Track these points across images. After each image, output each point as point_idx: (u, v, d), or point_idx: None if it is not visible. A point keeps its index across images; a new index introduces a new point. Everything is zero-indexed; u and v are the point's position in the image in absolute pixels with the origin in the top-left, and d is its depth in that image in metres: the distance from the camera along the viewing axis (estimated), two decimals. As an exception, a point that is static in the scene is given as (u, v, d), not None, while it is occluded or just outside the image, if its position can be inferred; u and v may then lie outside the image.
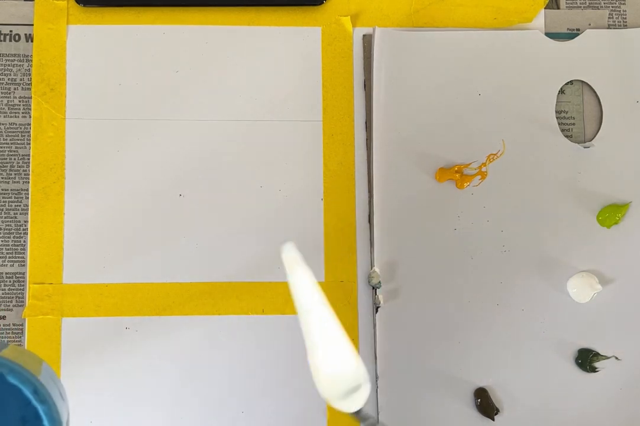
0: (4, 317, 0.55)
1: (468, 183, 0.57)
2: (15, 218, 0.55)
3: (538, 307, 0.56)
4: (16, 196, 0.56)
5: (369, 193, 0.57)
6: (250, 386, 0.55)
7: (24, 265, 0.55)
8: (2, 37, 0.57)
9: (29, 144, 0.56)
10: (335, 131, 0.57)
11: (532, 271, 0.56)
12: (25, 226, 0.55)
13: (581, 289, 0.56)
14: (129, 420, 0.54)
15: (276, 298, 0.56)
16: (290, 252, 0.42)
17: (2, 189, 0.56)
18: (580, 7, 0.60)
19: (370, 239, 0.56)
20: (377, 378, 0.55)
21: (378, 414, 0.54)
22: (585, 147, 0.58)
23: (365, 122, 0.58)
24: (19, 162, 0.56)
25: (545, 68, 0.58)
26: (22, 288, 0.55)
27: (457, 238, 0.56)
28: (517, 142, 0.57)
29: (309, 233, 0.56)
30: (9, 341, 0.54)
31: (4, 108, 0.56)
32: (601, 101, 0.58)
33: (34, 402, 0.32)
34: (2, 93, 0.56)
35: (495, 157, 0.57)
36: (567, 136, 0.58)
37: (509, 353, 0.56)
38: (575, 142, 0.58)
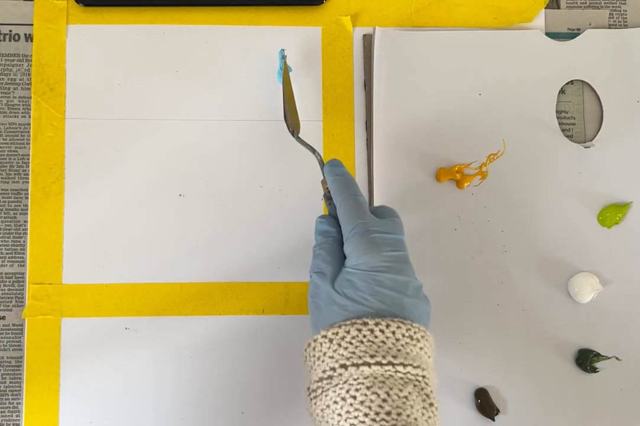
0: (3, 317, 0.55)
1: (468, 183, 0.57)
2: (15, 218, 0.55)
3: (538, 307, 0.56)
4: (16, 196, 0.56)
5: (369, 193, 0.57)
6: (250, 386, 0.55)
7: (23, 265, 0.55)
8: (1, 37, 0.57)
9: (29, 144, 0.56)
10: (335, 131, 0.57)
11: (532, 271, 0.56)
12: (25, 226, 0.55)
13: (581, 289, 0.56)
14: (128, 419, 0.54)
15: (276, 298, 0.55)
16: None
17: (2, 189, 0.56)
18: (581, 6, 0.60)
19: (371, 239, 0.56)
20: (377, 378, 0.55)
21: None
22: (585, 147, 0.58)
23: (365, 122, 0.57)
24: (18, 162, 0.56)
25: (545, 68, 0.58)
26: (21, 288, 0.55)
27: (457, 238, 0.56)
28: (517, 142, 0.57)
29: (309, 233, 0.56)
30: (9, 341, 0.54)
31: (3, 108, 0.56)
32: (601, 100, 0.58)
33: None
34: (1, 93, 0.56)
35: (496, 157, 0.57)
36: (567, 136, 0.58)
37: (509, 353, 0.56)
38: (576, 142, 0.58)
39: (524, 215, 0.57)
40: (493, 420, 0.54)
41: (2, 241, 0.55)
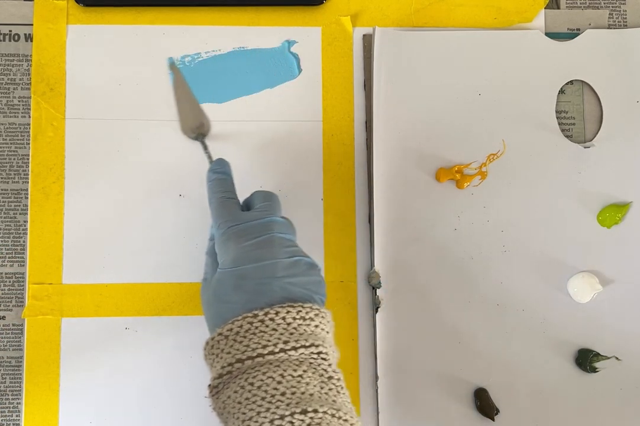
0: (3, 317, 0.55)
1: (468, 183, 0.57)
2: (15, 218, 0.55)
3: (538, 307, 0.56)
4: (16, 196, 0.56)
5: (369, 193, 0.57)
6: (250, 387, 0.55)
7: (23, 265, 0.55)
8: (1, 37, 0.57)
9: (29, 144, 0.56)
10: (335, 131, 0.57)
11: (532, 271, 0.56)
12: (25, 226, 0.55)
13: (581, 289, 0.56)
14: (129, 420, 0.54)
15: (276, 298, 0.55)
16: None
17: (2, 189, 0.56)
18: (581, 7, 0.60)
19: (370, 239, 0.56)
20: (377, 378, 0.55)
21: (378, 414, 0.54)
22: (585, 147, 0.58)
23: (365, 122, 0.57)
24: (18, 162, 0.56)
25: (545, 68, 0.58)
26: (21, 288, 0.55)
27: (457, 238, 0.56)
28: (517, 142, 0.57)
29: (309, 233, 0.56)
30: (9, 341, 0.54)
31: (3, 108, 0.56)
32: (601, 101, 0.58)
33: None
34: (1, 93, 0.56)
35: (495, 157, 0.57)
36: (567, 136, 0.58)
37: (509, 353, 0.56)
38: (576, 142, 0.58)
39: (523, 215, 0.57)
40: (493, 420, 0.54)
41: (2, 241, 0.55)
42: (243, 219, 0.45)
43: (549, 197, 0.57)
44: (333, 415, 0.38)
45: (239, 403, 0.40)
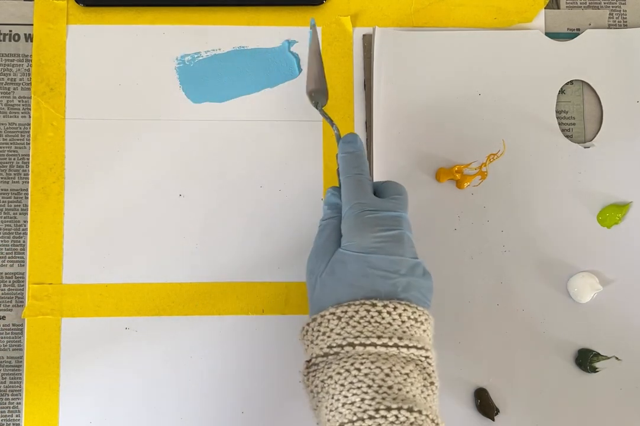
0: (3, 317, 0.55)
1: (468, 183, 0.57)
2: (15, 218, 0.55)
3: (538, 307, 0.56)
4: (16, 196, 0.56)
5: (369, 193, 0.57)
6: (250, 386, 0.55)
7: (23, 265, 0.55)
8: (1, 37, 0.57)
9: (29, 144, 0.56)
10: (335, 131, 0.57)
11: (532, 271, 0.56)
12: (25, 226, 0.55)
13: (581, 289, 0.56)
14: (128, 419, 0.54)
15: (276, 298, 0.55)
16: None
17: (2, 189, 0.56)
18: (581, 7, 0.60)
19: (371, 239, 0.56)
20: (377, 378, 0.55)
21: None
22: (585, 147, 0.58)
23: (365, 122, 0.57)
24: (18, 163, 0.56)
25: (545, 68, 0.58)
26: (21, 288, 0.55)
27: (457, 238, 0.56)
28: (517, 142, 0.57)
29: (309, 233, 0.56)
30: (9, 341, 0.54)
31: (3, 108, 0.56)
32: (601, 101, 0.58)
33: None
34: (1, 93, 0.56)
35: (495, 157, 0.57)
36: (567, 136, 0.58)
37: (509, 353, 0.56)
38: (575, 142, 0.58)
39: (523, 215, 0.57)
40: (493, 420, 0.54)
41: (2, 241, 0.55)
42: (378, 206, 0.44)
43: (549, 197, 0.57)
44: (433, 421, 0.39)
45: (342, 385, 0.40)
